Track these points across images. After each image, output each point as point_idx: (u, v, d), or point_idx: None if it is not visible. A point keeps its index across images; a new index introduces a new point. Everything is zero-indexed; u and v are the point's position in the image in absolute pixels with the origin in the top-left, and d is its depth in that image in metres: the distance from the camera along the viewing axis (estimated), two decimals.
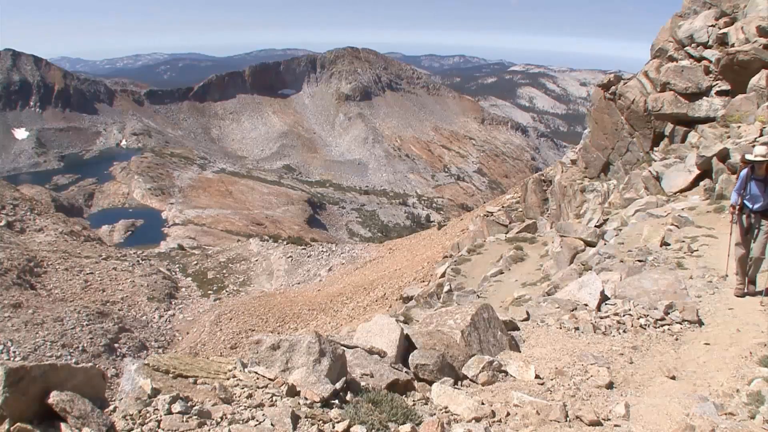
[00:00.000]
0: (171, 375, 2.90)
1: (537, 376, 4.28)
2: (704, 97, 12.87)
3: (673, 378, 4.21)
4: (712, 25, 13.48)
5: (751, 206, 6.26)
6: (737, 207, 6.39)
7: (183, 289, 32.72)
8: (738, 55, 11.49)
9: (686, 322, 5.50)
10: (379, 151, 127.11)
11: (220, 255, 40.80)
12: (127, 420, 2.26)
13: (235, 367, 3.15)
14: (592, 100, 18.69)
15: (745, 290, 6.19)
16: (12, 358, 19.02)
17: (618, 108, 15.45)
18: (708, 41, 13.44)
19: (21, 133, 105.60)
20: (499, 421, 3.34)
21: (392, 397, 3.23)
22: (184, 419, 2.33)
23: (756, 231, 6.27)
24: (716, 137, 10.82)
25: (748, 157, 6.19)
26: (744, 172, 6.34)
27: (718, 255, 7.32)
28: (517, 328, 5.70)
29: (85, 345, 21.65)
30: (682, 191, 11.01)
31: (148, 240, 59.83)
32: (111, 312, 25.41)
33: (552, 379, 4.21)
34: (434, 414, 3.29)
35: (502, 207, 24.62)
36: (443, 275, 15.72)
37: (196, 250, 45.70)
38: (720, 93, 12.61)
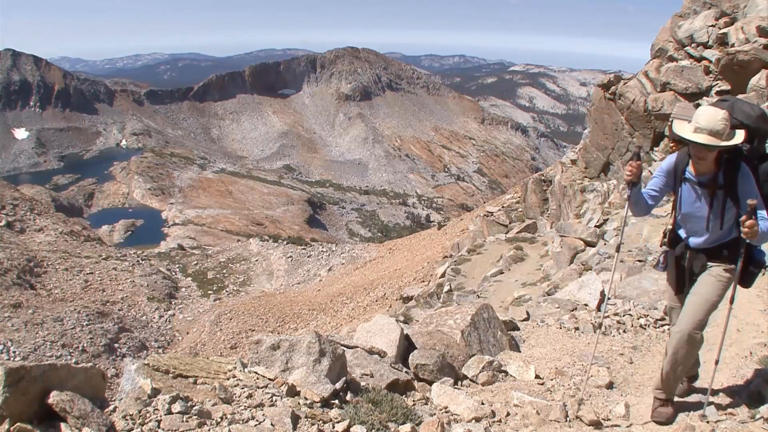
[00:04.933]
0: (171, 375, 2.90)
1: (537, 376, 4.29)
2: (704, 97, 12.87)
3: None
4: (712, 25, 13.47)
5: (687, 240, 3.28)
6: (667, 238, 3.45)
7: (183, 289, 32.71)
8: (738, 55, 11.48)
9: None
10: (379, 151, 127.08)
11: (220, 255, 40.80)
12: (127, 420, 2.26)
13: (235, 367, 3.15)
14: (592, 100, 18.68)
15: (672, 403, 3.41)
16: (12, 358, 19.00)
17: (618, 108, 15.45)
18: (708, 41, 13.43)
19: (21, 133, 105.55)
20: (499, 421, 3.34)
21: (392, 397, 3.23)
22: (184, 419, 2.33)
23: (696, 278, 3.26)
24: None
25: (681, 132, 2.98)
26: (668, 162, 3.26)
27: None
28: (517, 328, 5.70)
29: (85, 345, 21.63)
30: None
31: (148, 240, 59.82)
32: (111, 312, 25.40)
33: (552, 379, 4.21)
34: (434, 414, 3.29)
35: (502, 207, 24.60)
36: (443, 275, 15.72)
37: (196, 250, 45.69)
38: (720, 93, 12.60)
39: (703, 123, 2.90)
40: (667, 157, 3.33)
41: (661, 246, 3.56)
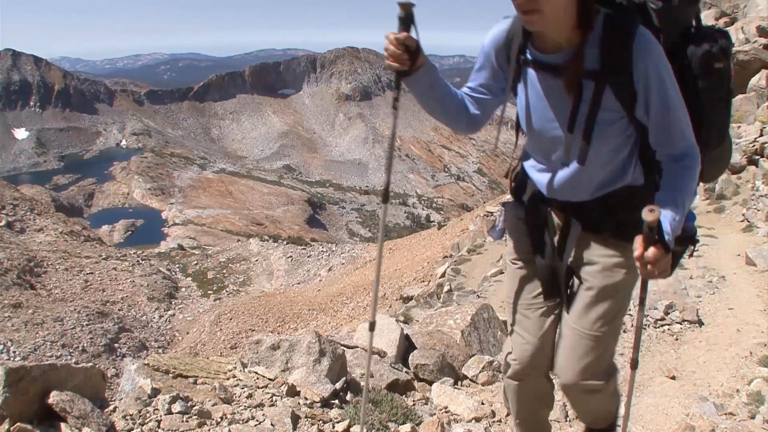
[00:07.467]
0: (171, 375, 2.90)
1: None
2: None
3: (673, 378, 4.22)
4: (712, 25, 13.49)
5: (538, 184, 1.69)
6: (510, 173, 1.86)
7: (183, 289, 32.71)
8: (738, 55, 11.48)
9: (686, 322, 5.50)
10: (379, 151, 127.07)
11: (220, 255, 40.80)
12: (127, 420, 2.27)
13: (235, 367, 3.15)
14: None
15: None
16: (12, 358, 18.99)
17: None
18: None
19: (21, 133, 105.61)
20: (499, 421, 3.34)
21: (392, 397, 3.23)
22: (184, 419, 2.33)
23: (568, 271, 1.71)
24: None
25: None
26: (494, 34, 1.61)
27: (718, 255, 7.31)
28: None
29: (85, 345, 21.63)
30: None
31: (148, 240, 59.80)
32: (111, 312, 25.40)
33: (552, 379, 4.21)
34: (434, 414, 3.29)
35: None
36: (443, 275, 15.72)
37: (196, 250, 45.70)
38: None
39: None
40: (494, 27, 1.66)
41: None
